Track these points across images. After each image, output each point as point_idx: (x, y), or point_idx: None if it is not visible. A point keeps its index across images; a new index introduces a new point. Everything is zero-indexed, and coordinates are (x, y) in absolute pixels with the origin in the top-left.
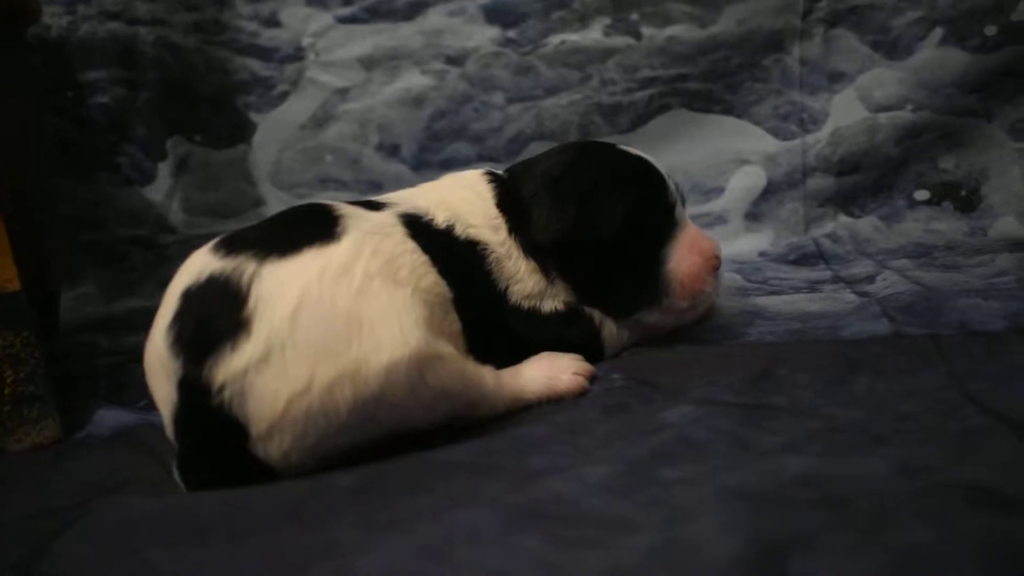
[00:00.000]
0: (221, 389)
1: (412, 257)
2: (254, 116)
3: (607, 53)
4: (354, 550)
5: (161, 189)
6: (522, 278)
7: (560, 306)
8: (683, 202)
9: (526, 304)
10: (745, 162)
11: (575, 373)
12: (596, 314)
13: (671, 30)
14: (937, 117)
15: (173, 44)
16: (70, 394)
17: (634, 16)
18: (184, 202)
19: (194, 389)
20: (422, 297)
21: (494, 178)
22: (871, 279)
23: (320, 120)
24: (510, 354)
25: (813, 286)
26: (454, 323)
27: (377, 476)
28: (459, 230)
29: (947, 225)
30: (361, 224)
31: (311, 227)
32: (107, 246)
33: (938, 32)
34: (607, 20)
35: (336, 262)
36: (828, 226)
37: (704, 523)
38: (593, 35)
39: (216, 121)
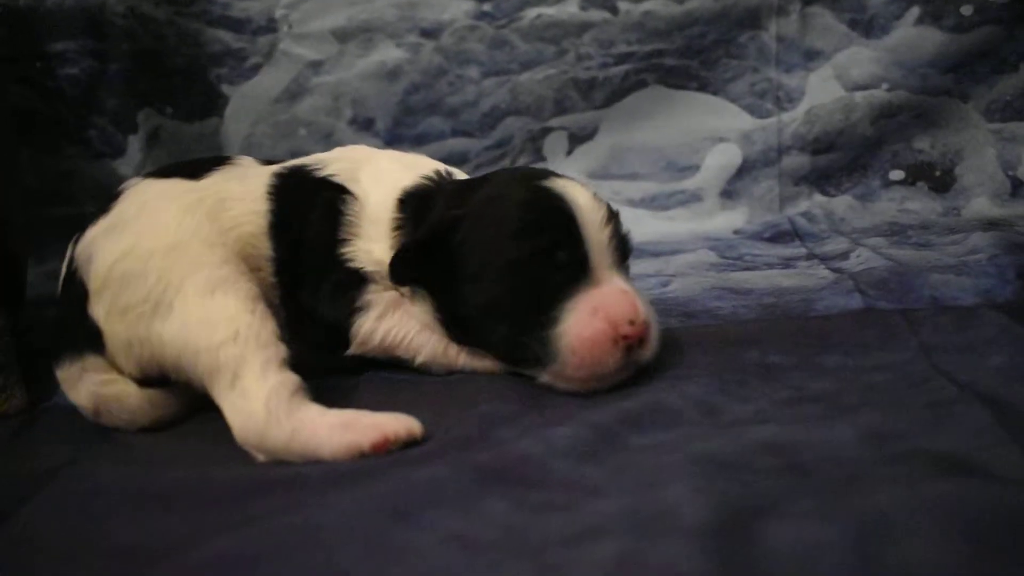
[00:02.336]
0: (77, 257)
1: (245, 205)
2: (226, 89)
3: (583, 27)
4: (316, 508)
5: (132, 162)
6: (376, 242)
7: (358, 267)
8: (622, 254)
9: (346, 256)
10: (721, 140)
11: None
12: (367, 300)
13: (648, 5)
14: (913, 97)
15: (143, 15)
16: (36, 366)
17: None
18: None
19: (68, 267)
20: (237, 237)
21: (433, 176)
22: (845, 256)
23: (293, 93)
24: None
25: (787, 262)
26: (262, 281)
27: None
28: (337, 179)
29: (921, 205)
30: (230, 171)
31: (197, 166)
32: (76, 220)
33: (915, 11)
34: None
35: (185, 187)
36: (803, 204)
37: (673, 488)
38: (569, 9)
39: (187, 94)
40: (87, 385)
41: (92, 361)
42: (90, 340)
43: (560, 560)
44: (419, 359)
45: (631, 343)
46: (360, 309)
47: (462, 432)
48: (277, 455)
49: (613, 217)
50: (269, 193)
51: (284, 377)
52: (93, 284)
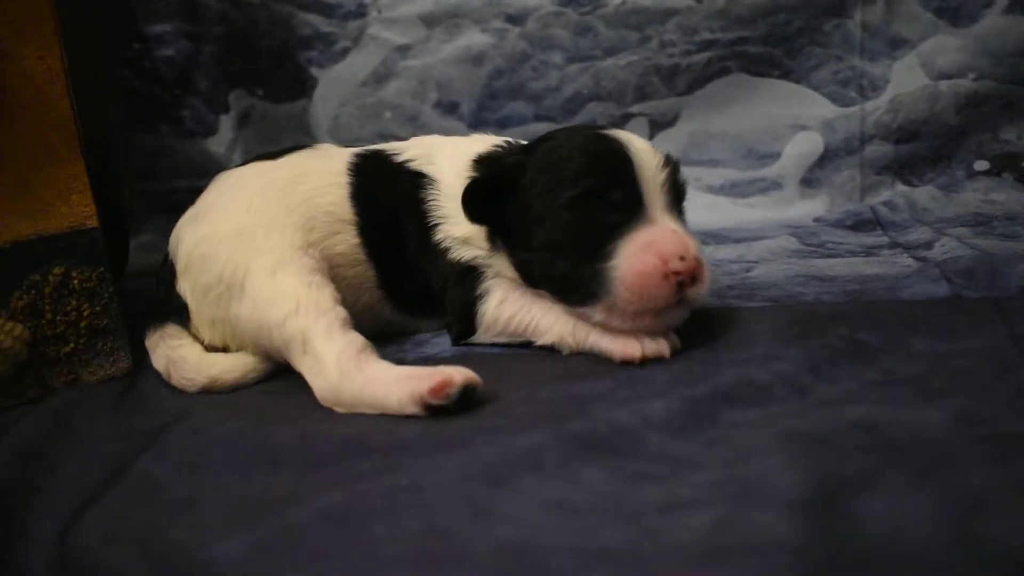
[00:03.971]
0: (170, 244)
1: (325, 179)
2: (315, 71)
3: (667, 14)
4: (419, 470)
5: (223, 142)
6: (459, 221)
7: (464, 259)
8: (676, 197)
9: (444, 244)
10: (802, 127)
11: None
12: (484, 288)
13: None
14: (1000, 86)
15: None
16: (137, 332)
17: None
18: (245, 155)
19: (166, 253)
20: (307, 211)
21: (502, 144)
22: (929, 245)
23: (380, 76)
24: (417, 297)
25: (870, 250)
26: (341, 243)
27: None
28: (414, 164)
29: (1006, 196)
30: (311, 152)
31: (279, 151)
32: (168, 196)
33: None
34: None
35: (261, 169)
36: (885, 194)
37: (765, 461)
38: None
39: (278, 76)
40: (163, 350)
41: (170, 329)
42: (175, 312)
43: (657, 526)
44: (545, 340)
45: (682, 279)
46: (480, 297)
47: (558, 405)
48: (352, 408)
49: (670, 164)
50: (350, 169)
51: (349, 337)
52: (180, 266)
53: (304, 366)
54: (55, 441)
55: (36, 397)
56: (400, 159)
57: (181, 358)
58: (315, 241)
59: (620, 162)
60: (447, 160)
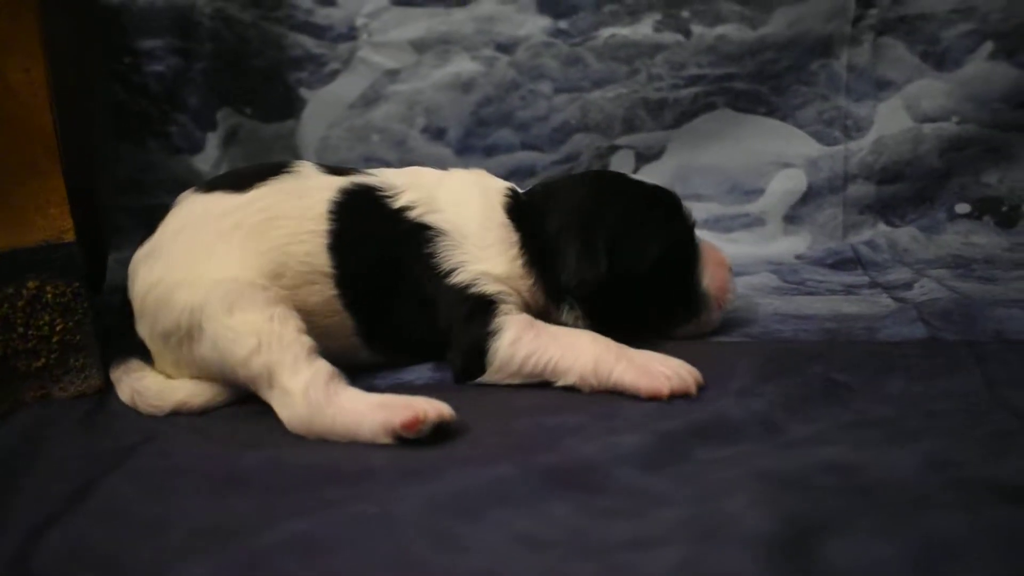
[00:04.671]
0: (128, 274)
1: (300, 225)
2: (304, 92)
3: (656, 49)
4: (387, 499)
5: (209, 159)
6: (490, 259)
7: (488, 292)
8: None
9: (466, 282)
10: (786, 165)
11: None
12: (497, 325)
13: (721, 29)
14: (983, 131)
15: (230, 17)
16: (112, 348)
17: (685, 13)
18: None
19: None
20: (276, 258)
21: (512, 192)
22: (908, 286)
23: (369, 100)
24: (405, 344)
25: (850, 289)
26: (315, 294)
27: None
28: (415, 213)
29: (987, 239)
30: (286, 184)
31: (249, 177)
32: (152, 212)
33: (988, 46)
34: (658, 16)
35: (226, 207)
36: (866, 234)
37: (735, 500)
38: (643, 30)
39: (267, 95)
40: (127, 382)
41: (134, 363)
42: (138, 351)
43: (624, 562)
44: (566, 380)
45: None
46: (492, 333)
47: (530, 437)
48: (324, 437)
49: None
50: (332, 212)
51: (316, 368)
52: (135, 305)
53: (272, 399)
54: (21, 458)
55: (5, 412)
56: (397, 205)
57: (145, 388)
58: (285, 286)
59: (676, 199)
60: (460, 210)
